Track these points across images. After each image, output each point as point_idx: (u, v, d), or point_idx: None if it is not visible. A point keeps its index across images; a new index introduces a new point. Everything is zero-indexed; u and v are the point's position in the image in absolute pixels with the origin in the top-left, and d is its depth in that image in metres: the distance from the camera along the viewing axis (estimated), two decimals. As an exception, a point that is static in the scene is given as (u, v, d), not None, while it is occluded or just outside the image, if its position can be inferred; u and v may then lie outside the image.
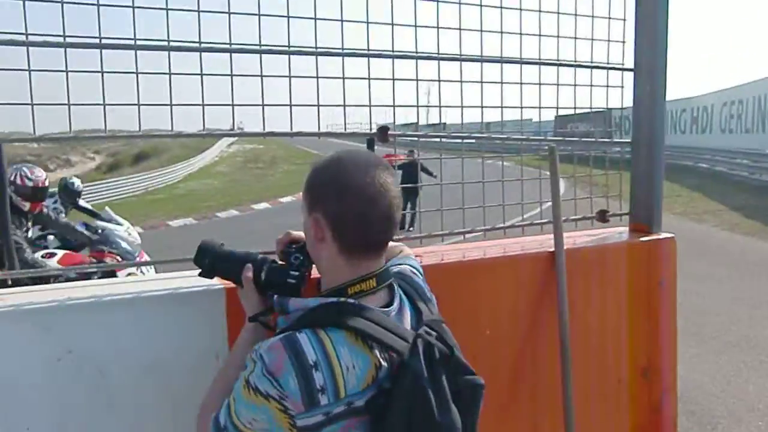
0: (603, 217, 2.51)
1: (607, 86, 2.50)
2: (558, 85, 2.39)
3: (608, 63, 2.50)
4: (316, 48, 1.95)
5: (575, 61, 2.42)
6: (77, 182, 7.34)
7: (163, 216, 18.64)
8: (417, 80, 2.12)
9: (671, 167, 22.15)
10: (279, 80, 1.93)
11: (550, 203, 2.21)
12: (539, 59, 2.35)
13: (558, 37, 2.37)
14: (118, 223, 6.66)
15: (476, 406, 1.24)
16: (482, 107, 2.24)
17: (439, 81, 2.16)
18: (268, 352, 1.12)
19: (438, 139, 2.46)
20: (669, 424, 2.54)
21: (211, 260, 1.40)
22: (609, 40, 2.47)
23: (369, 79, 2.05)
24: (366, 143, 2.06)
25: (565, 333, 2.12)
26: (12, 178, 4.89)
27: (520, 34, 2.29)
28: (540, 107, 2.38)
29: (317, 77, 1.96)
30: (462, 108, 2.21)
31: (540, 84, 2.34)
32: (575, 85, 2.43)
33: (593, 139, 2.62)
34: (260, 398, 1.11)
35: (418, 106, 2.15)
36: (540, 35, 2.32)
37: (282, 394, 1.10)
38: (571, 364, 2.13)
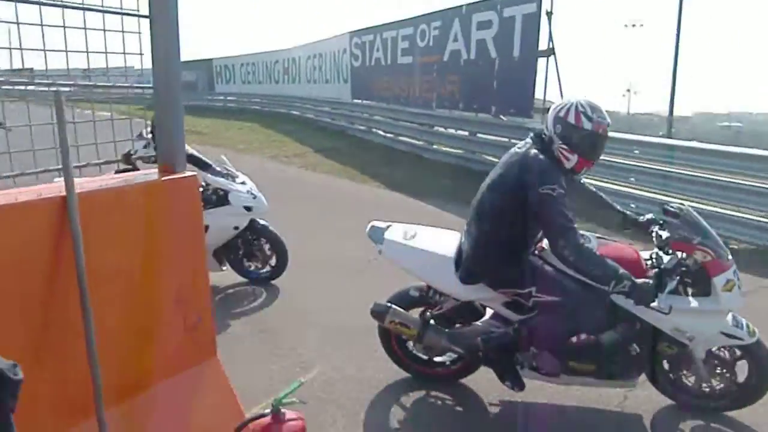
0: (128, 159, 2.61)
1: (123, 31, 2.56)
2: (64, 27, 2.36)
3: (122, 9, 2.55)
4: None
5: (83, 4, 2.41)
6: None
7: None
8: None
9: (268, 114, 23.80)
10: None
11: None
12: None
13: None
14: (239, 180, 5.21)
15: None
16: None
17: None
18: None
19: None
20: (208, 341, 2.86)
21: None
22: (123, -14, 2.53)
23: None
24: None
25: (82, 274, 2.18)
26: (562, 114, 3.19)
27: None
28: (47, 50, 2.32)
29: None
30: None
31: (42, 25, 2.28)
32: (85, 29, 2.43)
33: (111, 84, 2.67)
34: None
35: None
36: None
37: None
38: (90, 304, 2.20)
